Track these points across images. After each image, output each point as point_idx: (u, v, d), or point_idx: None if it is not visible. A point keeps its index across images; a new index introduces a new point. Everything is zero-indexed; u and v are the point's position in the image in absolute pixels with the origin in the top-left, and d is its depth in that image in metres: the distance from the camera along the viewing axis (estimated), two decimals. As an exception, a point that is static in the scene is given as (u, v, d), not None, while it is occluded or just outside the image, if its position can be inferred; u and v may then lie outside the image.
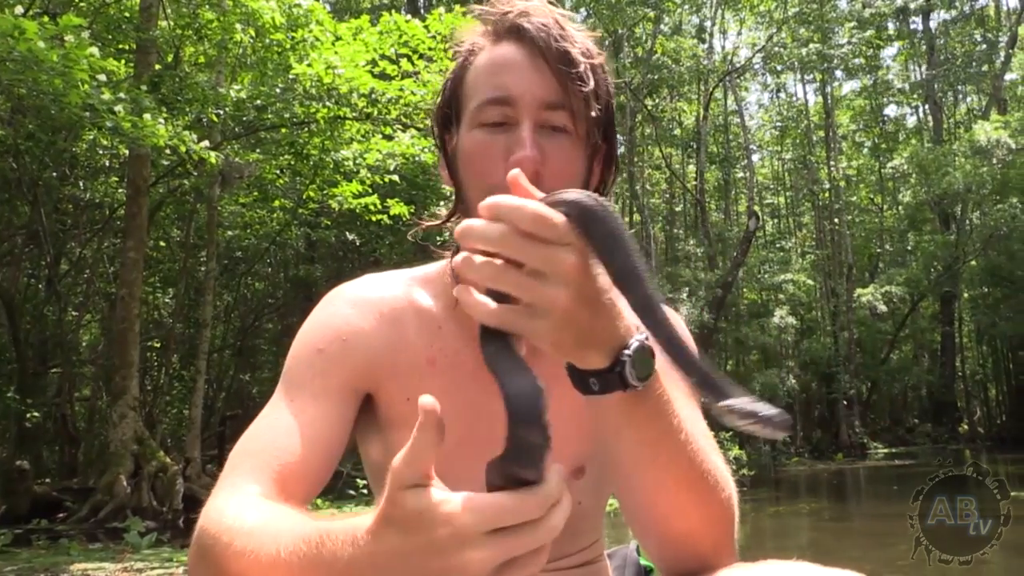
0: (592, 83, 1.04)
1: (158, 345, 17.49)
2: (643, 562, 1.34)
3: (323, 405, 1.08)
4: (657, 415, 0.87)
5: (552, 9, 1.07)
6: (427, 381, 1.08)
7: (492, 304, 0.77)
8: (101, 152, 13.14)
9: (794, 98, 36.65)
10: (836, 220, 30.10)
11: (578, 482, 1.14)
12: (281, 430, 1.04)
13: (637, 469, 0.91)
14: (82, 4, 11.88)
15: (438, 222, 1.20)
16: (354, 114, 11.23)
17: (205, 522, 0.92)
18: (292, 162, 13.19)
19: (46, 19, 7.63)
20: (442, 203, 12.49)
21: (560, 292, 0.75)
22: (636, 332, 0.83)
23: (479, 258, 0.76)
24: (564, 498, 0.70)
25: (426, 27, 11.03)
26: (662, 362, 0.85)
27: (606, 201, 0.78)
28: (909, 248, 30.78)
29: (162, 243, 16.69)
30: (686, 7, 29.18)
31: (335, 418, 1.08)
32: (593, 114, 1.05)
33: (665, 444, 0.88)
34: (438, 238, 1.71)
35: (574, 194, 0.78)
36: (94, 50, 7.38)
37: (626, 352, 0.81)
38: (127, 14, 12.08)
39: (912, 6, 30.64)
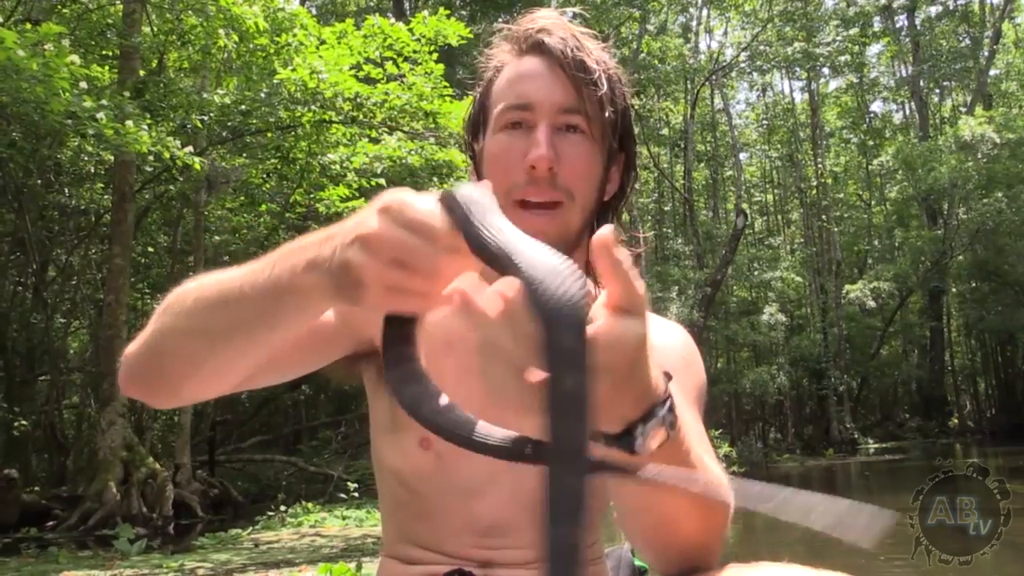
0: (606, 88, 1.12)
1: (146, 352, 17.38)
2: (637, 562, 1.33)
3: None
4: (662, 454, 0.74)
5: (570, 26, 1.16)
6: (445, 360, 1.04)
7: None
8: (86, 159, 13.07)
9: (781, 96, 36.78)
10: (824, 217, 30.18)
11: None
12: None
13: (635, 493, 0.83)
14: (64, 11, 11.83)
15: None
16: (339, 118, 11.20)
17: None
18: (278, 166, 13.17)
19: (28, 26, 7.59)
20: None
21: None
22: (660, 396, 0.68)
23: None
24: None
25: (410, 30, 11.01)
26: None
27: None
28: (897, 244, 30.88)
29: (149, 249, 16.61)
30: (672, 7, 29.26)
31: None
32: (607, 115, 1.13)
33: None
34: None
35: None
36: (75, 58, 7.35)
37: (640, 427, 0.67)
38: (110, 20, 12.03)
39: (896, 4, 30.77)
